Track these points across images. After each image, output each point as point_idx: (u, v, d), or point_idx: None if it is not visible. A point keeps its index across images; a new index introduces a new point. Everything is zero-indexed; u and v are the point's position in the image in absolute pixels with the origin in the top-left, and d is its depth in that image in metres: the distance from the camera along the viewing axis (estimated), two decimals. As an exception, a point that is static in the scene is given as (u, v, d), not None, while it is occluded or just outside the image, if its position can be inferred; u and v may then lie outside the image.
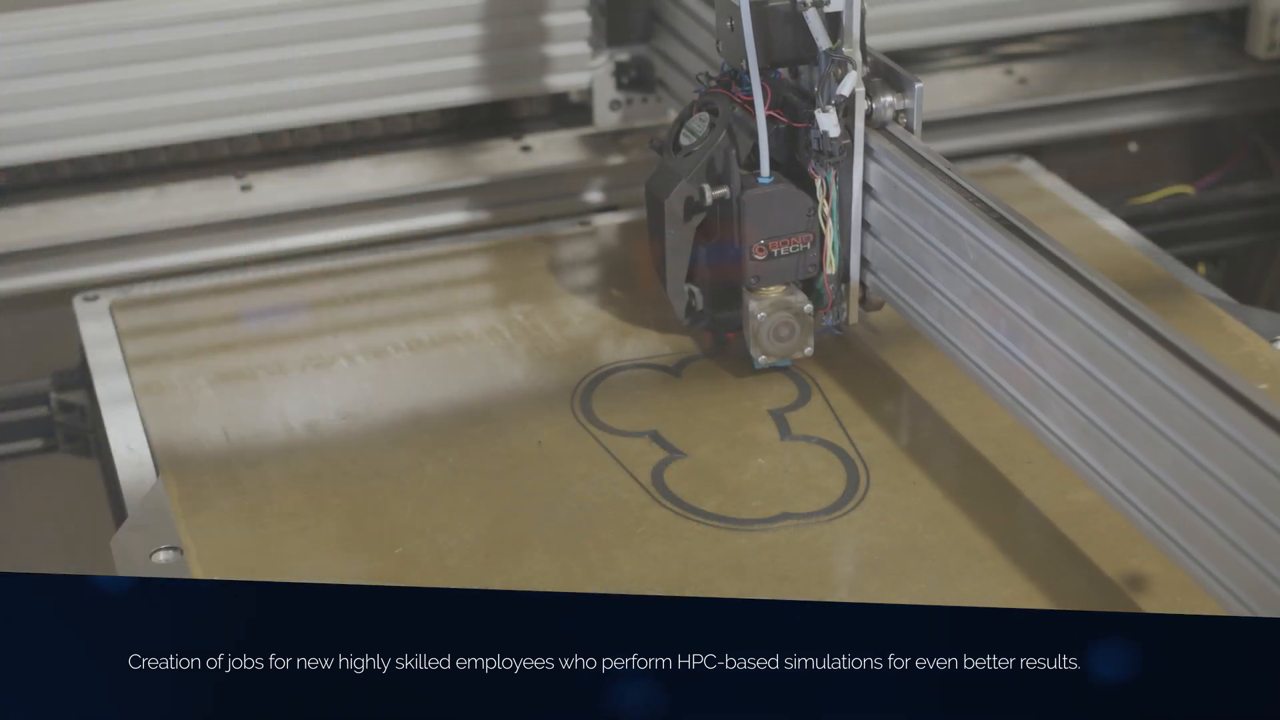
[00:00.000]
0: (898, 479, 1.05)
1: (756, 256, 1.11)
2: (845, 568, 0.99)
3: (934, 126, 1.51)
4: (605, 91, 1.44)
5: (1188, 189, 1.49)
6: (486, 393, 1.14)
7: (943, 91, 1.54)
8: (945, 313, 1.06)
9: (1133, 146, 1.61)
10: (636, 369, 1.16)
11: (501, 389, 1.14)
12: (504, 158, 1.44)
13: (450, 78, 1.40)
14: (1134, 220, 1.36)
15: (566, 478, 1.05)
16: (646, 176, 1.16)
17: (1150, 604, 0.93)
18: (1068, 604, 0.94)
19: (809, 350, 1.13)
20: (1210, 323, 1.19)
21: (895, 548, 0.99)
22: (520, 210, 1.43)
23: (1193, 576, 0.88)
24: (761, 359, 1.13)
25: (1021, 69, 1.57)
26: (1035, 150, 1.53)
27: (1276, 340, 1.16)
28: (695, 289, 1.14)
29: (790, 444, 1.09)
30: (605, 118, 1.44)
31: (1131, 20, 1.60)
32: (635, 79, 1.44)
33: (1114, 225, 1.32)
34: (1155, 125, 1.58)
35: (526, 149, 1.45)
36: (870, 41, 1.49)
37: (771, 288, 1.12)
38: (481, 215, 1.42)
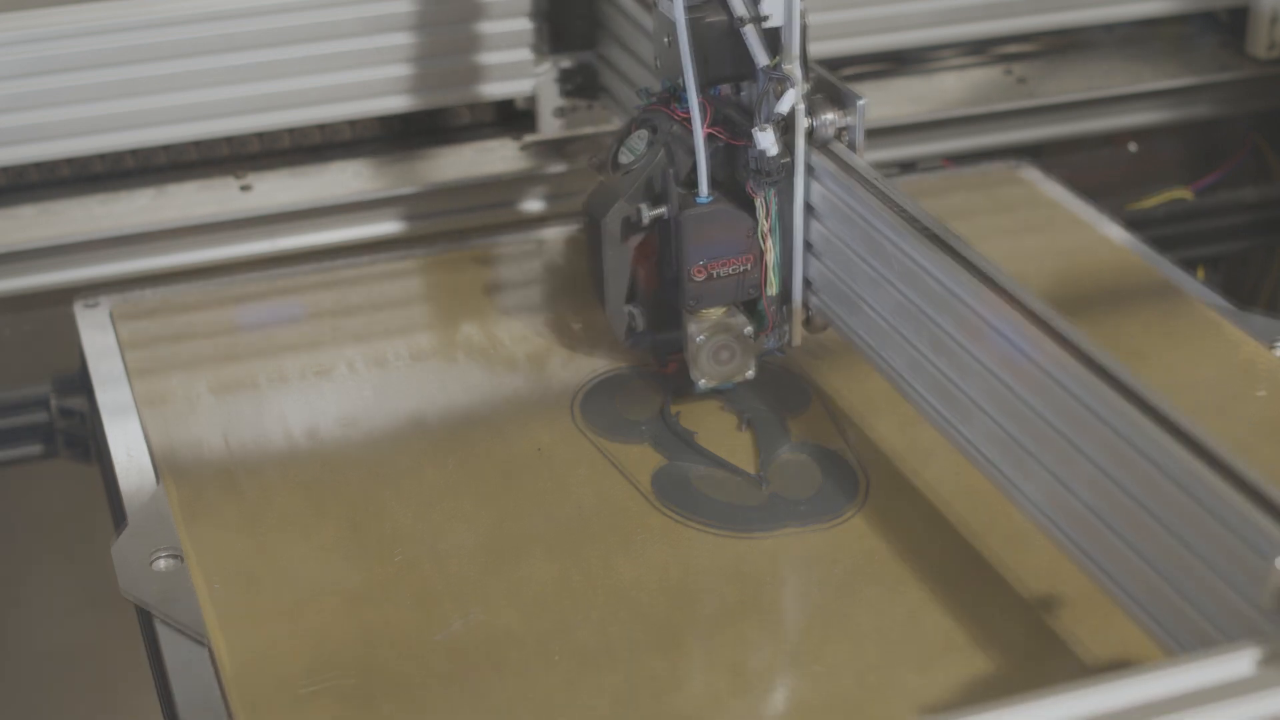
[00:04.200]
0: (897, 485, 1.05)
1: (695, 278, 1.08)
2: (845, 574, 0.99)
3: (934, 127, 1.51)
4: (549, 99, 1.43)
5: (1186, 193, 1.49)
6: (486, 399, 1.14)
7: (943, 91, 1.54)
8: (880, 331, 1.04)
9: (1133, 147, 1.61)
10: (636, 375, 1.16)
11: (501, 395, 1.14)
12: (502, 158, 1.44)
13: (385, 85, 1.39)
14: (1133, 224, 1.36)
15: (566, 483, 1.05)
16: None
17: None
18: (1070, 608, 0.95)
19: (750, 373, 1.10)
20: (1209, 327, 1.19)
21: (895, 554, 1.00)
22: (516, 211, 1.43)
23: (1111, 596, 0.88)
24: (702, 382, 1.10)
25: (1021, 69, 1.57)
26: (1035, 150, 1.53)
27: (1275, 345, 1.16)
28: (635, 310, 1.12)
29: (790, 450, 1.09)
30: (549, 125, 1.44)
31: (1131, 20, 1.60)
32: (579, 86, 1.43)
33: (1114, 231, 1.32)
34: (1155, 125, 1.58)
35: (526, 148, 1.45)
36: (870, 41, 1.51)
37: (711, 309, 1.10)
38: (480, 218, 1.42)
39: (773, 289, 1.10)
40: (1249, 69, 1.58)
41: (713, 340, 1.09)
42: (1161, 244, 1.34)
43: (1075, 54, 1.60)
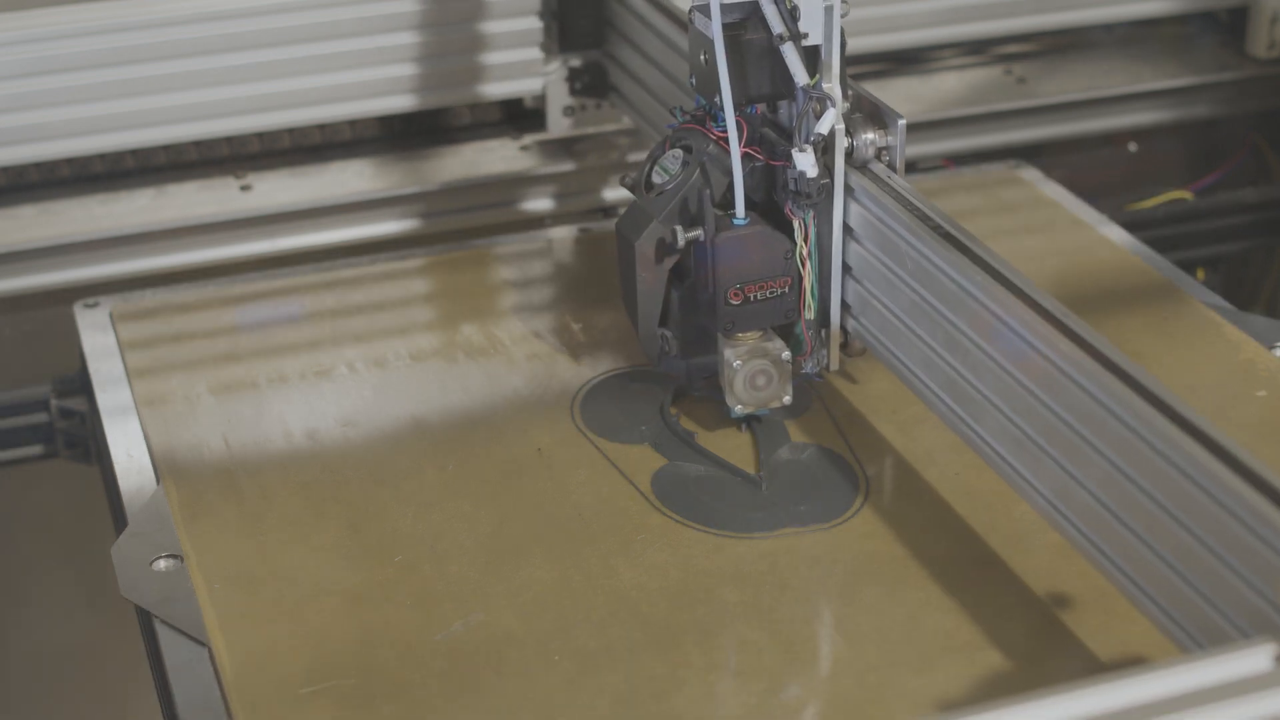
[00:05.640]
0: (897, 486, 1.06)
1: (731, 301, 1.06)
2: (845, 575, 0.99)
3: (933, 127, 1.51)
4: (558, 97, 1.43)
5: (1186, 194, 1.49)
6: (486, 400, 1.14)
7: (942, 91, 1.54)
8: (926, 360, 1.03)
9: (1133, 146, 1.61)
10: (636, 376, 1.16)
11: (501, 396, 1.14)
12: (503, 158, 1.44)
13: (392, 84, 1.39)
14: (1133, 226, 1.36)
15: (566, 485, 1.05)
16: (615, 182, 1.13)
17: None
18: (1071, 609, 0.95)
19: (787, 399, 1.08)
20: (1208, 329, 1.19)
21: (895, 555, 1.00)
22: (517, 211, 1.44)
23: (1124, 593, 0.88)
24: (738, 408, 1.08)
25: (1021, 69, 1.57)
26: (1035, 150, 1.53)
27: (1275, 347, 1.16)
28: (668, 334, 1.09)
29: (790, 452, 1.09)
30: (558, 124, 1.44)
31: (1130, 20, 1.61)
32: (588, 84, 1.43)
33: (1114, 231, 1.32)
34: (1155, 125, 1.58)
35: (526, 148, 1.45)
36: (870, 41, 1.51)
37: (747, 334, 1.07)
38: (480, 218, 1.42)
39: (810, 312, 1.08)
40: (1249, 69, 1.58)
41: (749, 365, 1.07)
42: (1161, 244, 1.34)
43: (1075, 54, 1.60)
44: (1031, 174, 1.41)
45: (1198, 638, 0.83)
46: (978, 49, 1.58)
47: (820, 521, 1.02)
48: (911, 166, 1.50)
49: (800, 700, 0.91)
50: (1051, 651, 0.93)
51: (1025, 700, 0.71)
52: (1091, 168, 1.60)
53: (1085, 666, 0.91)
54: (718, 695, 0.91)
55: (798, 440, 1.10)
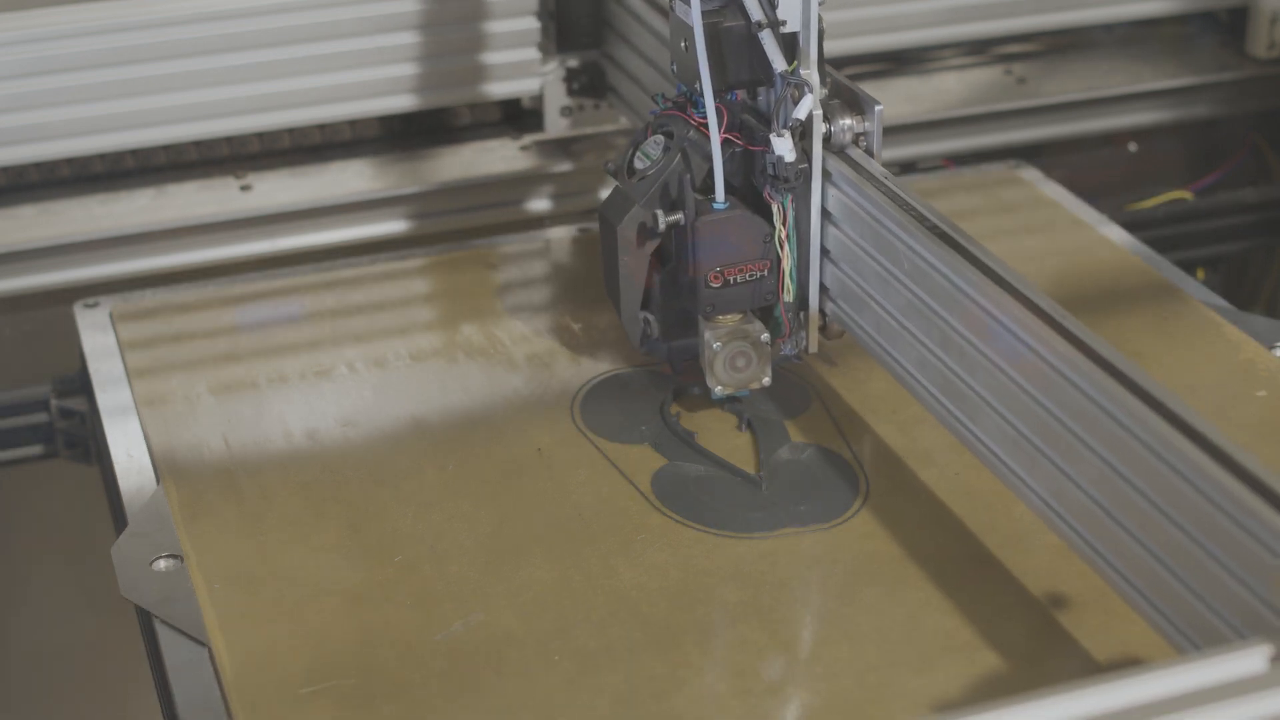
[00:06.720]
0: (897, 485, 1.06)
1: (711, 284, 1.07)
2: (845, 575, 0.99)
3: (933, 127, 1.51)
4: (556, 98, 1.43)
5: (1186, 194, 1.49)
6: (486, 400, 1.14)
7: (942, 91, 1.54)
8: (889, 329, 1.03)
9: (1133, 146, 1.61)
10: (636, 376, 1.16)
11: (501, 396, 1.14)
12: (503, 158, 1.44)
13: (392, 84, 1.39)
14: (1133, 226, 1.36)
15: (566, 485, 1.05)
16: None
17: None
18: (1070, 609, 0.95)
19: (766, 380, 1.09)
20: (1208, 329, 1.19)
21: (895, 555, 1.00)
22: (516, 211, 1.44)
23: (1120, 593, 0.88)
24: (718, 389, 1.09)
25: (1021, 69, 1.57)
26: (1035, 150, 1.53)
27: (1275, 347, 1.16)
28: (650, 317, 1.11)
29: (790, 452, 1.09)
30: (556, 124, 1.44)
31: (1130, 20, 1.60)
32: (586, 85, 1.43)
33: (1114, 232, 1.32)
34: (1155, 125, 1.58)
35: (525, 148, 1.45)
36: (870, 41, 1.51)
37: (727, 316, 1.09)
38: (480, 218, 1.42)
39: (789, 295, 1.09)
40: (1249, 69, 1.58)
41: (729, 347, 1.08)
42: (1161, 245, 1.34)
43: (1075, 54, 1.60)
44: (1031, 174, 1.41)
45: (1194, 639, 0.83)
46: (978, 49, 1.58)
47: (820, 521, 1.03)
48: (911, 166, 1.51)
49: (800, 700, 0.91)
50: (1050, 652, 0.93)
51: (1024, 700, 0.71)
52: (1091, 168, 1.60)
53: (1083, 667, 0.91)
54: (718, 695, 0.91)
55: (797, 440, 1.10)
